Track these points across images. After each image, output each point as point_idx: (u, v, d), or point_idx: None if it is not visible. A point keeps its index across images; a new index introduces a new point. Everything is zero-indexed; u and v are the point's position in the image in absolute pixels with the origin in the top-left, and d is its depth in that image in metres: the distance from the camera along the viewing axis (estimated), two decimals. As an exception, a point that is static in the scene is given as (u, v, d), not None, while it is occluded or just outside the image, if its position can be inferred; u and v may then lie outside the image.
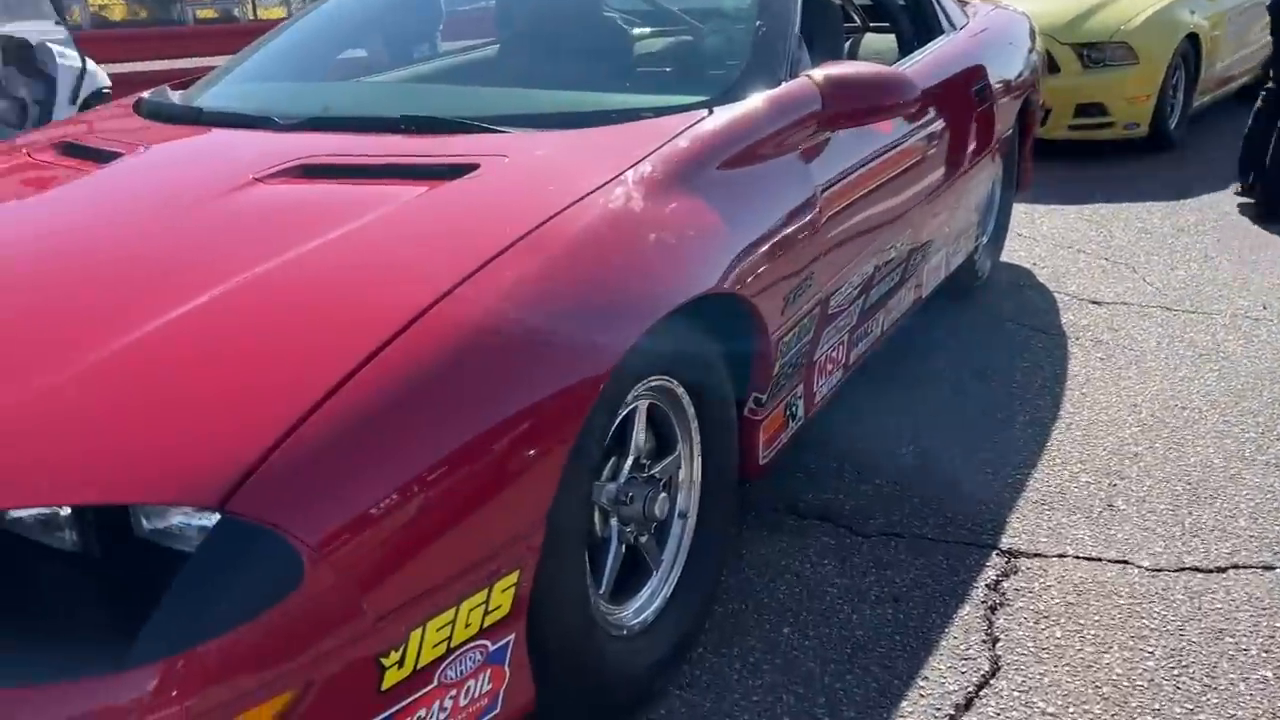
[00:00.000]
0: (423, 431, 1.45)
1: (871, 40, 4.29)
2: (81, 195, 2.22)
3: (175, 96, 2.98)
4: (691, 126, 2.19)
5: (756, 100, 2.36)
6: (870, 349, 3.01)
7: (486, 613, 1.52)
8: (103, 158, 2.40)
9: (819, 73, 2.49)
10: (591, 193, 1.92)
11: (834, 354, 2.71)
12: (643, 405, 1.96)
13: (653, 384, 1.94)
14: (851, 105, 2.49)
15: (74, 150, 2.50)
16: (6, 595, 1.37)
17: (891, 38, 3.90)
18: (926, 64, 3.30)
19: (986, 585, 2.35)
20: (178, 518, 1.33)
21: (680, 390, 2.04)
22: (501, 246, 1.73)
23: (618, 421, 1.84)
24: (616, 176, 1.98)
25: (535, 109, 2.40)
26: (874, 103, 2.51)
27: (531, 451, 1.55)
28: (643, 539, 1.99)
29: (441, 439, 1.46)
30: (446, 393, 1.49)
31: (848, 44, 4.10)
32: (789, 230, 2.27)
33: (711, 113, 2.28)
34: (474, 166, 2.05)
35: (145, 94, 3.03)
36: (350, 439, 1.38)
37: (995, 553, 2.49)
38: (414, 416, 1.44)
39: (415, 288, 1.62)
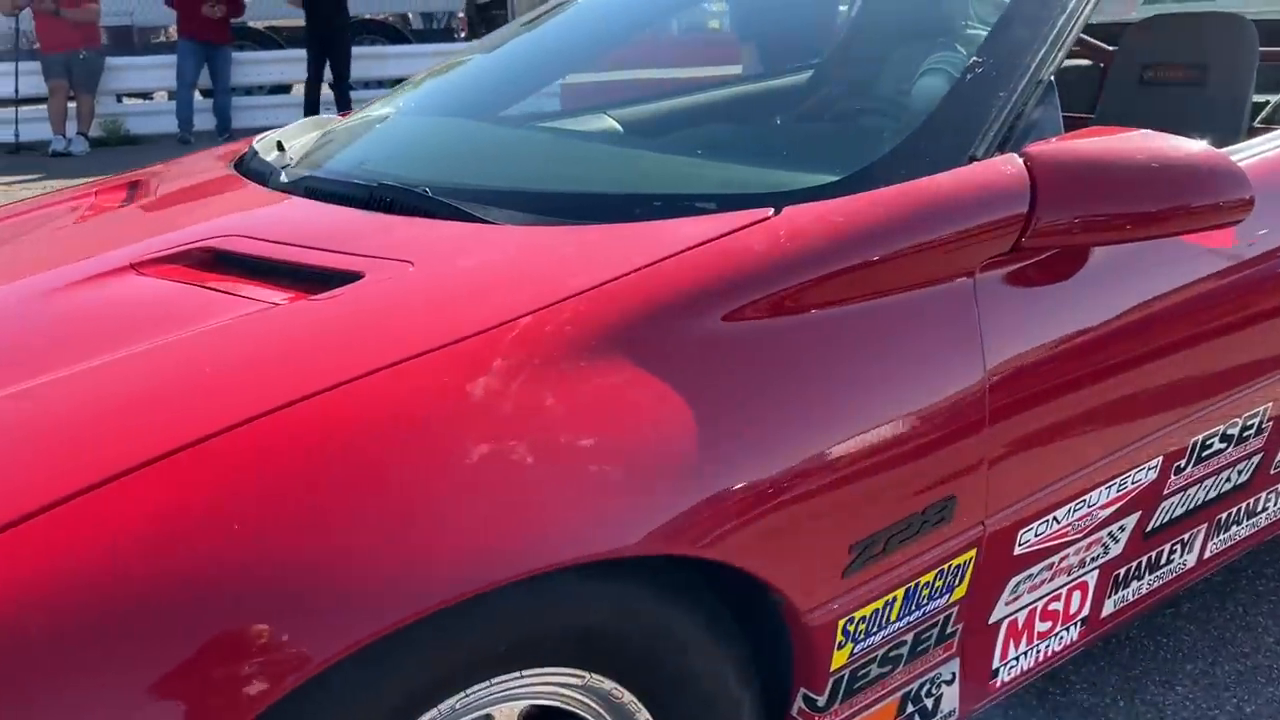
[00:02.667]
0: None
1: None
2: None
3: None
4: (706, 243, 1.30)
5: (880, 196, 1.40)
6: (1165, 592, 1.85)
7: None
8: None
9: (1040, 150, 1.46)
10: (456, 343, 1.14)
11: (1052, 606, 1.64)
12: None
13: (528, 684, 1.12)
14: (1094, 207, 1.43)
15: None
16: None
17: None
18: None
19: None
20: None
21: (624, 696, 1.20)
22: (225, 425, 1.03)
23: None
24: (515, 321, 1.17)
25: (539, 184, 1.64)
26: (1140, 205, 1.43)
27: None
28: None
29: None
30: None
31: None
32: (893, 428, 1.30)
33: (777, 214, 1.37)
34: (351, 277, 1.34)
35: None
36: None
37: None
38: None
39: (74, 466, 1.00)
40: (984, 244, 1.42)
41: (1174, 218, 1.45)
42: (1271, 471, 1.97)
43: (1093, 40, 3.25)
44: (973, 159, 1.50)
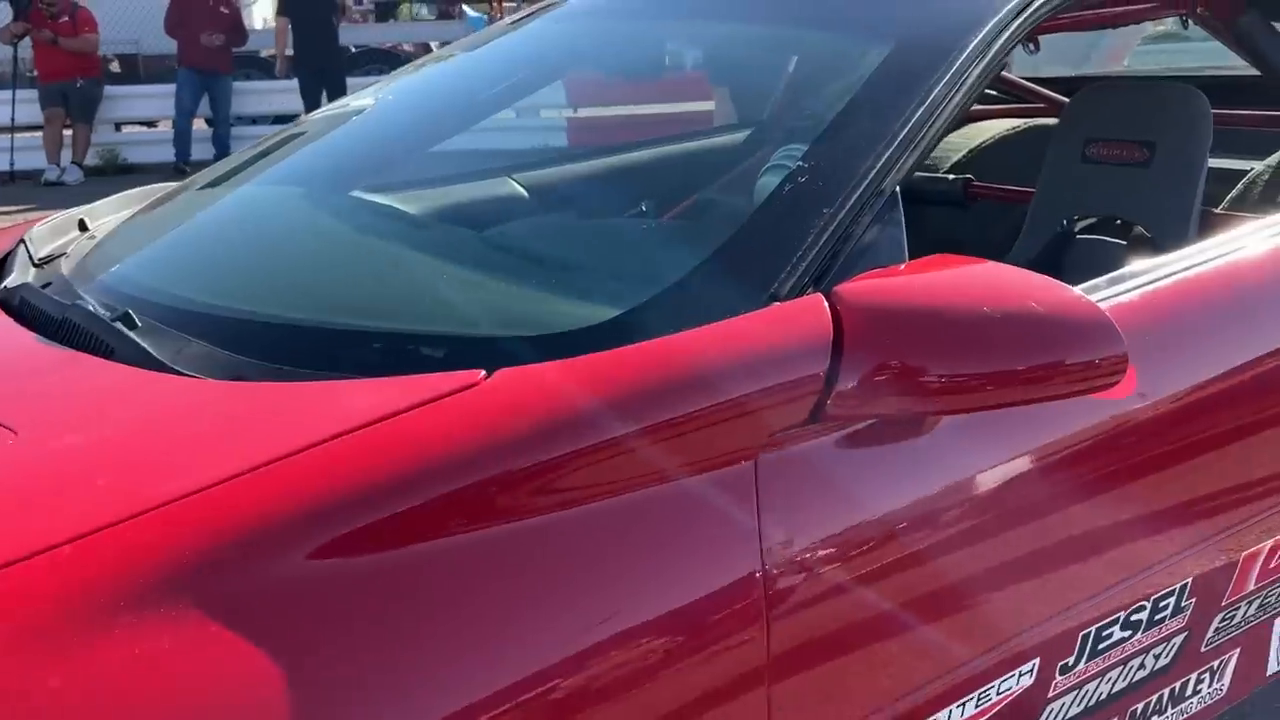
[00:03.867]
0: None
1: None
2: None
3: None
4: (366, 427, 0.99)
5: (630, 356, 1.07)
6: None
7: None
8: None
9: (852, 290, 1.14)
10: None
11: None
12: None
13: None
14: (914, 367, 1.10)
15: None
16: None
17: None
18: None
19: None
20: None
21: None
22: None
23: None
24: (53, 551, 0.87)
25: (268, 308, 1.33)
26: (974, 366, 1.10)
27: None
28: None
29: None
30: None
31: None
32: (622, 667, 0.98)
33: (489, 376, 1.05)
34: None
35: None
36: None
37: None
38: None
39: None
40: (771, 414, 1.10)
41: (1017, 383, 1.12)
42: (1202, 650, 1.62)
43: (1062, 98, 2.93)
44: (773, 299, 1.18)
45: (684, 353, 1.08)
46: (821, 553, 1.11)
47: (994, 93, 3.55)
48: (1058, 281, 1.17)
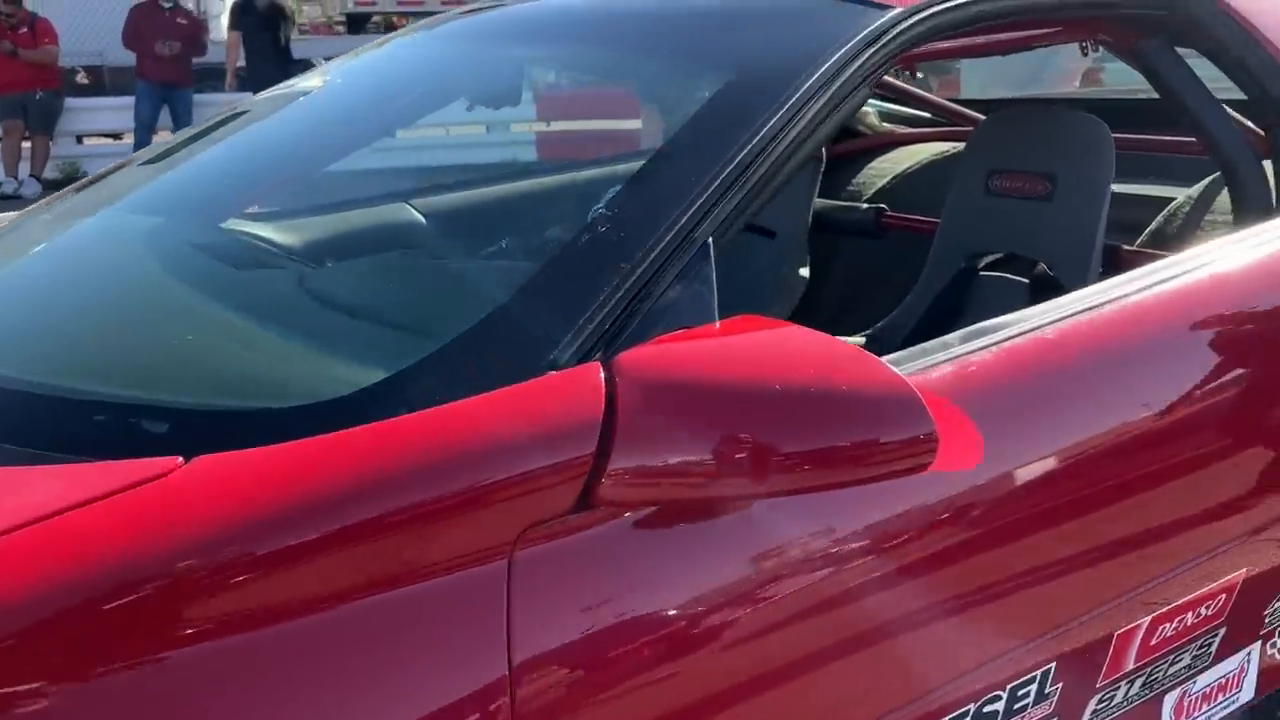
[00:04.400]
0: None
1: None
2: None
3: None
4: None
5: (360, 437, 0.94)
6: None
7: None
8: None
9: (633, 359, 1.00)
10: None
11: None
12: None
13: None
14: (691, 447, 0.97)
15: None
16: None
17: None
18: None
19: None
20: None
21: None
22: None
23: None
24: None
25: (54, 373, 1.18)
26: (774, 446, 0.97)
27: None
28: None
29: None
30: None
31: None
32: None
33: (184, 465, 0.91)
34: None
35: None
36: None
37: None
38: None
39: None
40: (527, 503, 0.96)
41: (805, 466, 0.98)
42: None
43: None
44: (552, 366, 1.04)
45: (424, 434, 0.94)
46: (579, 671, 0.97)
47: (927, 115, 3.43)
48: (864, 353, 1.03)
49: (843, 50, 1.37)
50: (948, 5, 1.51)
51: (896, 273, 2.40)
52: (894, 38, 1.44)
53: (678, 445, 0.97)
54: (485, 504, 0.93)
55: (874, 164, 3.19)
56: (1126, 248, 2.15)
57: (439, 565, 0.92)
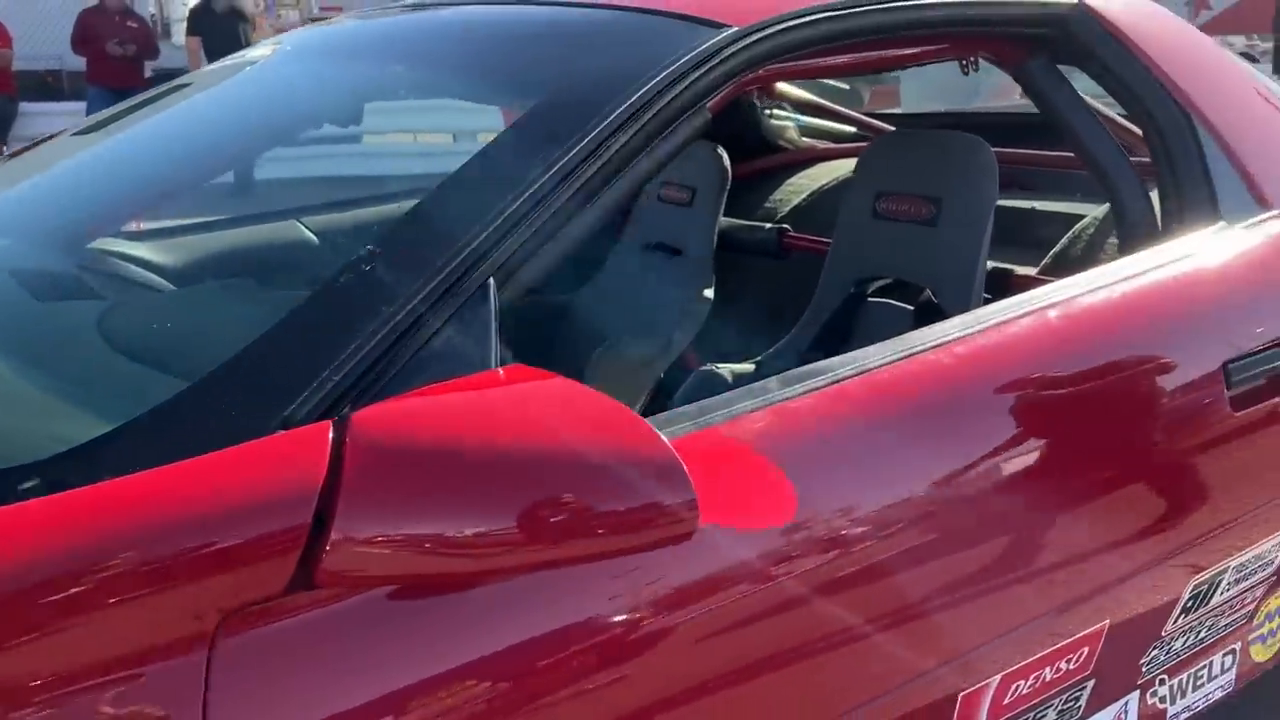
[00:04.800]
0: None
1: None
2: None
3: None
4: None
5: (45, 508, 0.84)
6: None
7: None
8: None
9: (369, 418, 0.90)
10: None
11: None
12: None
13: None
14: (423, 519, 0.87)
15: None
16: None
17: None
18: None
19: None
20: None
21: None
22: None
23: None
24: None
25: None
26: (494, 522, 0.88)
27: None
28: None
29: None
30: None
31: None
32: None
33: None
34: None
35: None
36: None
37: None
38: None
39: None
40: (232, 581, 0.86)
41: (545, 540, 0.89)
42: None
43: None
44: (286, 424, 0.95)
45: (104, 507, 0.84)
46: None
47: (852, 129, 3.35)
48: (629, 414, 0.94)
49: (665, 72, 1.28)
50: (791, 24, 1.42)
51: (801, 295, 2.32)
52: (728, 58, 1.35)
53: (408, 514, 0.87)
54: (176, 586, 0.83)
55: (792, 180, 3.10)
56: (1018, 272, 2.07)
57: (122, 660, 0.82)
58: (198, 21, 9.60)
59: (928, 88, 4.58)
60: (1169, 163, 1.73)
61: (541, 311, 2.57)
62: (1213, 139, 1.73)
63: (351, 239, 1.44)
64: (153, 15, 12.01)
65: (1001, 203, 2.93)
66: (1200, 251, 1.61)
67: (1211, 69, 1.85)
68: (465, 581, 0.92)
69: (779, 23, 1.41)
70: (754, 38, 1.38)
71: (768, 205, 3.04)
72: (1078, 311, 1.46)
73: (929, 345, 1.33)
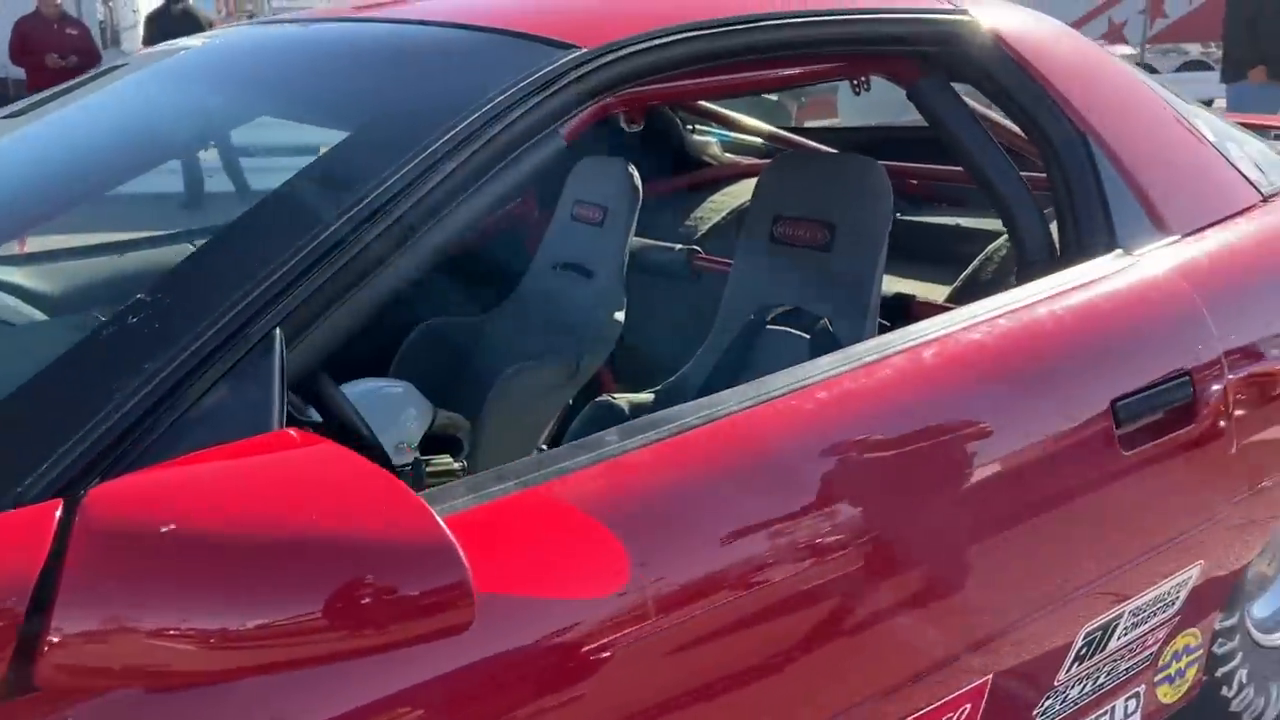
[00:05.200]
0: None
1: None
2: None
3: None
4: None
5: None
6: None
7: None
8: None
9: (102, 497, 0.80)
10: None
11: None
12: None
13: None
14: (151, 611, 0.77)
15: None
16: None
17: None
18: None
19: None
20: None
21: None
22: None
23: None
24: None
25: None
26: (230, 615, 0.78)
27: None
28: None
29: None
30: None
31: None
32: None
33: None
34: None
35: None
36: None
37: None
38: None
39: None
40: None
41: (290, 636, 0.79)
42: None
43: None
44: (17, 502, 0.84)
45: None
46: None
47: (780, 147, 3.27)
48: (396, 485, 0.84)
49: (503, 95, 1.19)
50: (647, 45, 1.33)
51: (711, 319, 2.23)
52: (578, 79, 1.26)
53: (135, 604, 0.78)
54: None
55: (714, 198, 3.02)
56: (920, 299, 2.00)
57: None
58: (154, 29, 9.38)
59: (863, 99, 4.48)
60: (1065, 186, 1.65)
61: (455, 331, 2.47)
62: (1110, 161, 1.65)
63: (127, 284, 1.32)
64: (102, 22, 11.79)
65: (927, 219, 2.89)
66: (1093, 282, 1.53)
67: (1113, 88, 1.77)
68: (208, 680, 0.82)
69: (633, 44, 1.32)
70: (609, 59, 1.29)
71: (688, 223, 2.96)
72: (959, 348, 1.38)
73: (789, 388, 1.24)
